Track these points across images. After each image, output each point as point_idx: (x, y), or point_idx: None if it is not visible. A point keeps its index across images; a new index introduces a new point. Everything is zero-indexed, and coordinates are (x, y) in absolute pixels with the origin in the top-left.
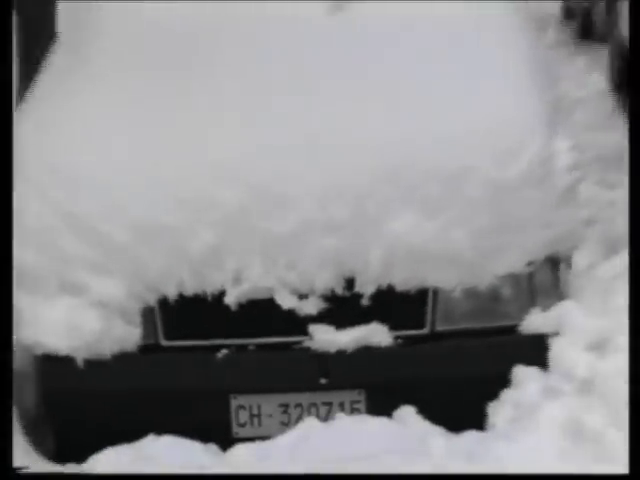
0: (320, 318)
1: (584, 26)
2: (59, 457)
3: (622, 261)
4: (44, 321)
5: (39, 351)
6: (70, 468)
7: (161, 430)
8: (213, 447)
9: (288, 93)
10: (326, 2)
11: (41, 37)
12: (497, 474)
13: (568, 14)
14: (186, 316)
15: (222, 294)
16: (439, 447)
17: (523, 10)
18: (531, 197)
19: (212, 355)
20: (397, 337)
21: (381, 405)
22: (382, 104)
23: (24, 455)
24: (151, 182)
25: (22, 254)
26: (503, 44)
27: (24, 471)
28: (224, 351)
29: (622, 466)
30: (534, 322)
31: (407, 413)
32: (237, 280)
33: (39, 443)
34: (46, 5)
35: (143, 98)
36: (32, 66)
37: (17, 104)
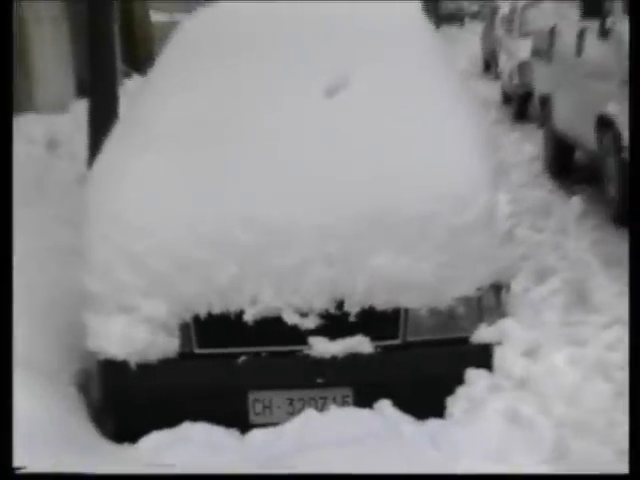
0: (317, 331)
1: (519, 110)
2: (117, 438)
3: (548, 287)
4: (105, 334)
5: (102, 357)
6: (125, 447)
7: (195, 418)
8: (235, 432)
9: (293, 158)
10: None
11: (107, 116)
12: (496, 474)
13: (506, 100)
14: (214, 330)
15: (242, 313)
16: (408, 431)
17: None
18: (480, 238)
19: (234, 360)
20: (377, 346)
21: (365, 399)
22: (367, 167)
23: (91, 437)
24: (188, 228)
25: (89, 283)
26: (458, 123)
27: (24, 471)
28: (243, 357)
29: (547, 447)
30: (482, 334)
31: (384, 405)
32: (253, 302)
33: (102, 427)
34: (111, 92)
35: (182, 163)
36: (99, 139)
37: (87, 169)
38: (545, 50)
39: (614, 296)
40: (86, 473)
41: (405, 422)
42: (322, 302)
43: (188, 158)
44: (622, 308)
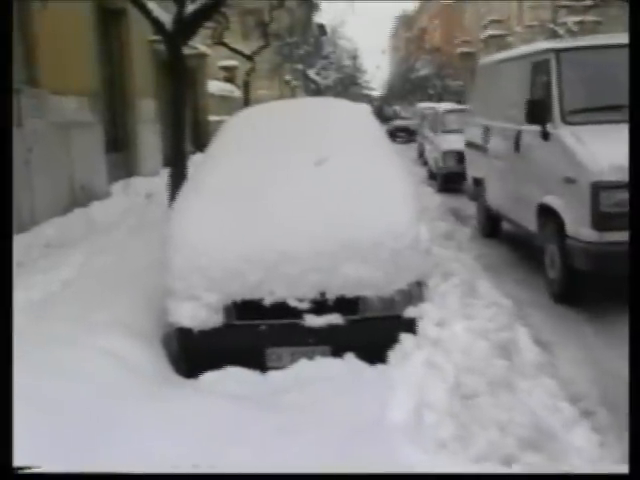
0: (309, 311)
1: (442, 185)
2: (186, 375)
3: (451, 283)
4: (180, 313)
5: (178, 326)
6: (191, 380)
7: (233, 363)
8: (258, 372)
9: (296, 206)
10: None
11: (180, 178)
12: (495, 474)
13: (431, 177)
14: (245, 310)
15: (263, 300)
16: (365, 372)
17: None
18: (410, 255)
19: (258, 328)
20: (346, 320)
21: (338, 352)
22: (340, 212)
23: (171, 373)
24: (231, 250)
25: (171, 282)
26: (398, 186)
27: (24, 471)
28: (263, 327)
29: (449, 381)
30: (410, 312)
31: (350, 356)
32: (270, 294)
33: (178, 369)
34: (183, 164)
35: (226, 208)
36: (175, 193)
37: (169, 211)
38: (480, 144)
39: (490, 288)
40: (87, 473)
41: (363, 366)
42: (312, 293)
43: (230, 205)
44: (495, 296)
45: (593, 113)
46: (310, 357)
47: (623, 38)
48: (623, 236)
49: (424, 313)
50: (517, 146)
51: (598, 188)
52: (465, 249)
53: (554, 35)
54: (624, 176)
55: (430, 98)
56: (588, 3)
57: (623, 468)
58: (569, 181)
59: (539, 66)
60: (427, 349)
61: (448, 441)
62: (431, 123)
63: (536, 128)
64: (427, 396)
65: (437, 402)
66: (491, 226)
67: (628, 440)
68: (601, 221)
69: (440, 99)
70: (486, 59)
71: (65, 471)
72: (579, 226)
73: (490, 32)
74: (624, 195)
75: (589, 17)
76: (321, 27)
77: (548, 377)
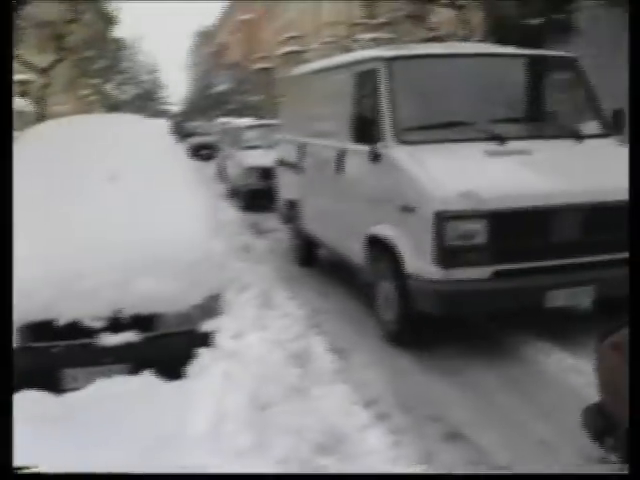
0: (105, 329)
1: (245, 203)
2: None
3: (248, 295)
4: None
5: None
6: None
7: (30, 386)
8: (54, 394)
9: (91, 219)
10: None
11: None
12: (496, 474)
13: (233, 195)
14: (41, 331)
15: (56, 320)
16: (164, 387)
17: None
18: (205, 268)
19: (52, 350)
20: (143, 337)
21: (137, 370)
22: (135, 229)
23: None
24: (25, 269)
25: None
26: (194, 202)
27: (24, 471)
28: (58, 347)
29: (246, 391)
30: (207, 326)
31: (147, 373)
32: (64, 313)
33: None
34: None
35: (19, 228)
36: None
37: None
38: (294, 162)
39: (285, 299)
40: (87, 473)
41: (160, 382)
42: (107, 311)
43: (21, 223)
44: (290, 307)
45: (432, 131)
46: (107, 376)
47: (461, 47)
48: (472, 273)
49: (220, 326)
50: (340, 167)
51: (442, 219)
52: (263, 261)
53: (349, 51)
54: (472, 204)
55: (230, 113)
56: (381, 21)
57: (623, 468)
58: (406, 210)
59: (365, 77)
60: (224, 361)
61: (247, 449)
62: (232, 139)
63: (364, 147)
64: (225, 407)
65: (235, 412)
66: (307, 252)
67: (629, 441)
68: (446, 256)
69: (240, 114)
70: (298, 69)
71: (65, 471)
72: (420, 262)
73: (288, 48)
74: (472, 226)
75: (383, 34)
76: (119, 41)
77: (343, 383)
